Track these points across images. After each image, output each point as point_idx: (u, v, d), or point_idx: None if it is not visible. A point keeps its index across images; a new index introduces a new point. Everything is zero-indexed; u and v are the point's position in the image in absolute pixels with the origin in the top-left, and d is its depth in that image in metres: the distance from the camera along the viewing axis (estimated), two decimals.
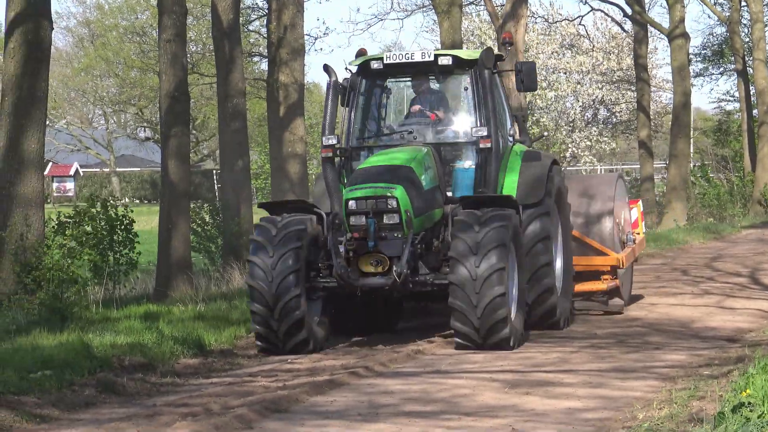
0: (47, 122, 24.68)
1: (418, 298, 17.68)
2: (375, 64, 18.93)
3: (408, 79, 20.15)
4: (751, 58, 55.74)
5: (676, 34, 47.84)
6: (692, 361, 17.91)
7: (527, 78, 18.97)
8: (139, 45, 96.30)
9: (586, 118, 63.32)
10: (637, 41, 56.76)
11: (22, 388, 15.19)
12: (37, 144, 22.31)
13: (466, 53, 19.60)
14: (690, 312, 23.38)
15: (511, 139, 20.36)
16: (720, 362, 17.56)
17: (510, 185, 18.70)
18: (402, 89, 20.37)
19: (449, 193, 19.53)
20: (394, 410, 14.61)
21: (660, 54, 55.38)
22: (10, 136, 21.93)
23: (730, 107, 66.78)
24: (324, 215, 17.80)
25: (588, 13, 63.20)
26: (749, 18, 55.01)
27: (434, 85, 19.78)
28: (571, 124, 62.33)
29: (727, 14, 59.06)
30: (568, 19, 64.41)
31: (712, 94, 67.05)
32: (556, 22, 64.02)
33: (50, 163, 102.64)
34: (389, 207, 16.25)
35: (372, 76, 19.45)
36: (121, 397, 15.74)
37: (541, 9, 60.00)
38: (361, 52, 20.02)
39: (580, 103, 62.83)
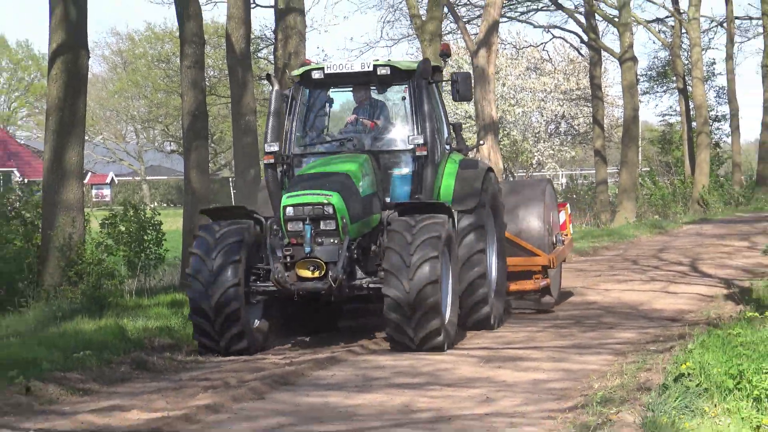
0: (86, 138, 24.69)
1: (355, 301, 16.64)
2: (316, 74, 17.56)
3: (349, 88, 18.76)
4: (690, 77, 55.88)
5: (626, 58, 47.89)
6: (640, 339, 17.99)
7: (462, 87, 17.66)
8: (164, 71, 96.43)
9: (549, 130, 63.29)
10: (592, 64, 56.72)
11: (67, 366, 15.40)
12: (77, 157, 22.36)
13: (404, 64, 18.10)
14: (639, 296, 23.41)
15: (448, 147, 18.91)
16: (664, 339, 17.62)
17: (446, 191, 17.44)
18: (344, 98, 19.14)
19: (388, 199, 17.97)
20: (386, 382, 14.72)
21: (612, 75, 55.51)
22: (54, 151, 22.04)
23: (672, 120, 66.88)
24: (264, 220, 16.48)
25: (550, 40, 63.28)
26: (688, 43, 55.13)
27: (375, 95, 18.36)
28: (537, 136, 62.34)
29: (670, 40, 59.10)
30: (532, 46, 64.40)
31: (657, 108, 67.39)
32: (522, 48, 63.91)
33: (89, 173, 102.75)
34: (326, 213, 15.04)
35: (314, 86, 18.15)
36: (151, 373, 15.92)
37: (509, 37, 59.95)
38: (304, 63, 18.95)
39: (544, 118, 62.84)
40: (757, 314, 17.64)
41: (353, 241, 15.70)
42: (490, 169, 18.50)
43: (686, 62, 57.33)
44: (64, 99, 22.06)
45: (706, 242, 35.61)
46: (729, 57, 61.39)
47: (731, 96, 62.36)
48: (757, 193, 57.26)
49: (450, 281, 15.94)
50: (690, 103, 57.60)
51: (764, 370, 12.43)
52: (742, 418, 11.26)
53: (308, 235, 14.96)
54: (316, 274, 14.85)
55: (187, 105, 30.04)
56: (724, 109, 64.57)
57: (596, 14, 53.95)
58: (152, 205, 53.24)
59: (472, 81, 19.44)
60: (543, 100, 62.20)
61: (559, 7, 55.82)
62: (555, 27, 60.22)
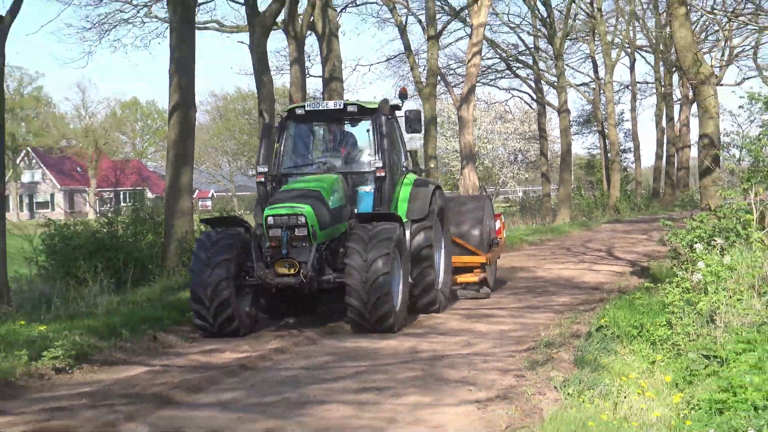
0: (194, 166, 24.41)
1: (324, 293, 15.24)
2: (299, 111, 16.51)
3: (324, 122, 17.32)
4: (606, 123, 55.71)
5: (562, 110, 47.51)
6: (573, 302, 17.95)
7: (413, 122, 16.73)
8: (247, 120, 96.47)
9: (510, 159, 63.08)
10: (539, 114, 56.40)
11: (182, 321, 15.64)
12: (188, 179, 22.16)
13: (368, 103, 16.71)
14: (571, 273, 23.29)
15: (405, 169, 17.41)
16: (589, 302, 17.58)
17: (402, 204, 16.17)
18: (322, 130, 17.53)
19: (356, 211, 16.53)
20: (398, 333, 14.71)
21: (553, 121, 55.00)
22: (173, 175, 21.85)
23: (594, 152, 66.42)
24: (251, 227, 15.29)
25: (510, 98, 62.94)
26: (605, 99, 54.89)
27: (347, 128, 17.12)
28: (502, 164, 62.12)
29: (592, 97, 58.70)
30: (498, 102, 64.10)
31: (583, 144, 67.12)
32: (491, 104, 63.50)
33: (197, 190, 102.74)
34: (299, 222, 14.01)
35: (298, 120, 16.74)
36: None
37: (482, 95, 59.56)
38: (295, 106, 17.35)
39: (507, 151, 62.62)
40: (651, 285, 17.58)
41: (322, 245, 14.87)
42: (438, 187, 17.36)
43: (603, 112, 56.99)
44: (178, 140, 21.93)
45: (618, 236, 35.49)
46: (633, 109, 61.40)
47: (634, 135, 62.39)
48: (652, 203, 57.13)
49: (400, 276, 14.95)
50: (606, 140, 57.26)
51: (657, 323, 12.38)
52: (642, 356, 11.24)
53: (284, 239, 14.13)
54: (292, 271, 14.12)
55: None
56: (630, 144, 64.41)
57: (542, 80, 53.62)
58: (239, 212, 52.92)
59: (422, 117, 17.77)
60: (506, 139, 61.97)
61: (517, 75, 55.50)
62: (513, 89, 60.02)
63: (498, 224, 20.06)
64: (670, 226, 17.79)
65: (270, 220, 14.20)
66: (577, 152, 61.19)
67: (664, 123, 62.20)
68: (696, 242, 15.18)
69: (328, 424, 9.42)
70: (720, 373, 9.45)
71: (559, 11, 49.00)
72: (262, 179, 15.83)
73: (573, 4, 48.45)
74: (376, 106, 16.23)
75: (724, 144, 21.49)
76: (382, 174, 15.41)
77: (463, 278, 18.01)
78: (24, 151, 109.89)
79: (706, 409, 8.17)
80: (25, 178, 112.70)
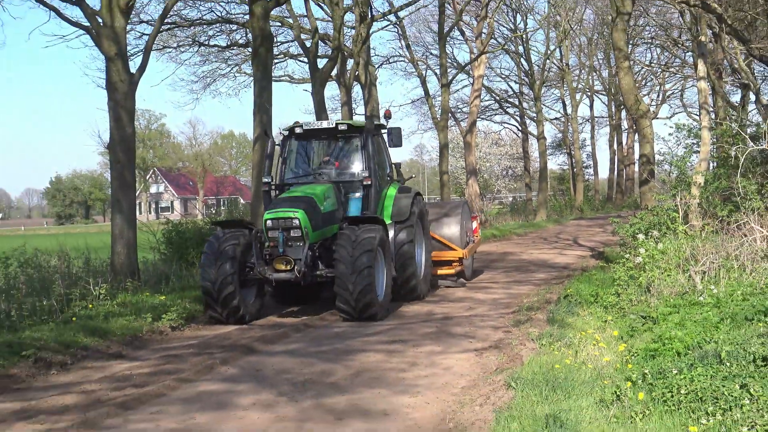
0: None
1: (317, 285, 13.94)
2: (298, 130, 14.87)
3: (320, 139, 15.60)
4: (572, 147, 55.62)
5: (540, 137, 47.20)
6: (548, 277, 17.83)
7: (395, 138, 14.99)
8: None
9: (502, 174, 62.85)
10: (523, 140, 56.32)
11: None
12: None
13: (357, 122, 15.33)
14: (546, 256, 23.17)
15: (389, 178, 15.78)
16: (559, 277, 17.47)
17: (387, 209, 14.74)
18: (320, 145, 15.79)
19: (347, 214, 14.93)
20: (417, 302, 14.68)
21: (534, 146, 54.79)
22: (255, 187, 21.82)
23: (564, 168, 65.99)
24: (254, 228, 13.81)
25: (502, 129, 62.56)
26: (571, 129, 54.82)
27: (340, 144, 15.43)
28: (496, 177, 61.89)
29: (562, 128, 58.53)
30: (493, 132, 64.00)
31: (556, 161, 66.85)
32: (488, 133, 63.22)
33: None
34: (293, 225, 12.78)
35: (298, 137, 15.18)
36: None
37: (482, 127, 59.08)
38: (295, 123, 15.34)
39: (500, 168, 62.35)
40: (605, 264, 17.58)
41: (315, 244, 13.30)
42: (418, 194, 15.62)
43: (570, 139, 56.70)
44: (260, 161, 21.91)
45: (582, 229, 35.29)
46: (592, 136, 61.48)
47: (593, 156, 62.74)
48: (607, 205, 56.76)
49: (384, 270, 13.37)
50: (572, 159, 57.01)
51: (608, 293, 12.31)
52: (597, 317, 11.16)
53: (281, 239, 12.85)
54: (287, 267, 12.78)
55: None
56: (590, 162, 64.29)
57: (525, 116, 53.49)
58: None
59: (402, 133, 15.72)
60: (499, 159, 61.68)
61: (506, 112, 55.49)
62: (504, 122, 59.81)
63: (474, 225, 18.63)
64: (618, 222, 17.95)
65: (269, 222, 13.00)
66: (552, 168, 60.89)
67: (615, 146, 62.23)
68: (637, 233, 15.20)
69: (367, 367, 9.49)
70: (653, 329, 9.45)
71: (537, 66, 48.96)
72: (267, 188, 14.57)
73: (547, 61, 48.49)
74: (363, 125, 14.86)
75: (658, 161, 21.68)
76: (368, 182, 14.07)
77: (442, 271, 16.61)
78: (151, 170, 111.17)
79: (643, 355, 8.15)
80: (152, 189, 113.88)
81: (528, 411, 6.59)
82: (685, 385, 6.61)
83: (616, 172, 63.64)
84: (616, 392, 6.78)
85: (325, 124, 14.92)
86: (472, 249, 17.54)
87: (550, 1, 46.00)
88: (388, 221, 14.40)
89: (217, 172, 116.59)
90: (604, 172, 72.48)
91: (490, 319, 12.55)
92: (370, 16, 30.10)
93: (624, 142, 61.95)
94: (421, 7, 38.34)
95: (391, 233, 14.28)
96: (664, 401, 6.54)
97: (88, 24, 17.63)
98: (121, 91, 16.91)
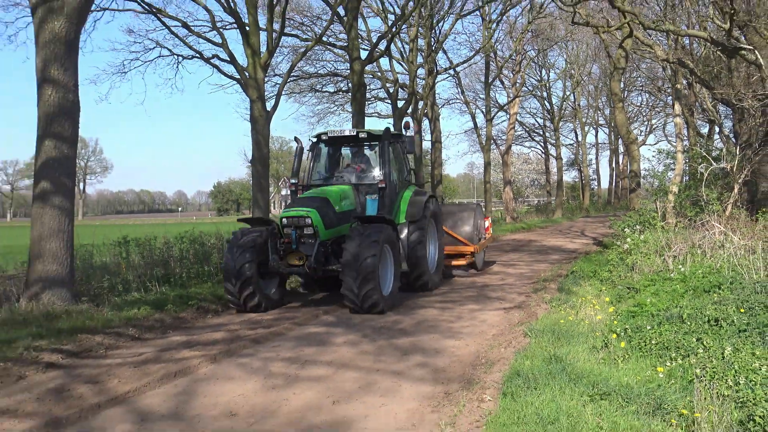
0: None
1: (333, 278, 11.00)
2: (324, 137, 12.54)
3: (346, 146, 13.07)
4: (582, 165, 54.58)
5: (558, 158, 46.53)
6: (561, 258, 17.47)
7: (409, 146, 12.31)
8: None
9: (531, 183, 61.97)
10: (545, 160, 55.21)
11: None
12: None
13: (376, 131, 12.59)
14: (560, 243, 22.76)
15: (406, 182, 13.03)
16: (569, 259, 17.12)
17: (403, 209, 12.15)
18: (344, 152, 13.27)
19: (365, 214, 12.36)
20: (463, 279, 14.54)
21: (553, 163, 53.73)
22: None
23: (576, 180, 64.52)
24: (276, 226, 11.21)
25: (530, 151, 61.52)
26: (581, 152, 53.83)
27: (366, 151, 13.05)
28: (526, 186, 61.06)
29: (575, 151, 57.29)
30: (524, 153, 63.15)
31: (570, 175, 65.01)
32: (521, 154, 62.36)
33: None
34: (306, 223, 10.52)
35: (324, 144, 12.71)
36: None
37: (515, 149, 58.27)
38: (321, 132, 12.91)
39: (529, 179, 61.49)
40: (602, 249, 17.19)
41: (328, 241, 10.85)
42: (432, 196, 13.04)
43: (580, 158, 55.57)
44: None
45: (588, 224, 34.51)
46: (596, 156, 60.56)
47: (597, 171, 61.81)
48: (607, 207, 55.34)
49: (391, 266, 10.79)
50: (581, 174, 55.97)
51: (603, 270, 12.05)
52: (594, 287, 10.90)
53: (293, 236, 10.54)
54: (300, 262, 10.53)
55: None
56: (595, 176, 62.98)
57: (547, 142, 52.47)
58: None
59: (416, 141, 13.85)
60: (528, 173, 60.90)
61: (533, 140, 54.37)
62: (532, 147, 58.73)
63: (486, 224, 16.15)
64: (613, 220, 17.61)
65: (284, 221, 10.69)
66: (566, 180, 59.46)
67: (613, 164, 60.96)
68: (626, 227, 14.87)
69: (425, 318, 9.47)
70: (635, 297, 9.22)
71: (556, 106, 48.16)
72: (293, 189, 12.12)
73: (564, 102, 47.85)
74: (381, 133, 12.34)
75: (644, 175, 21.29)
76: (383, 185, 11.61)
77: (456, 262, 14.43)
78: (282, 179, 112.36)
79: (626, 315, 7.95)
80: (282, 192, 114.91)
81: (538, 352, 6.51)
82: (656, 338, 6.46)
83: (614, 183, 62.17)
84: (604, 341, 6.66)
85: (347, 132, 12.43)
86: (483, 244, 15.43)
87: (566, 60, 45.51)
88: (402, 221, 12.04)
89: None
90: (605, 183, 70.75)
91: (516, 287, 12.39)
92: (435, 71, 30.20)
93: (620, 161, 60.44)
94: (472, 64, 38.05)
95: (405, 232, 11.94)
96: (639, 348, 6.39)
97: (239, 77, 18.17)
98: (260, 123, 17.31)
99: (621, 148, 58.63)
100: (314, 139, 12.58)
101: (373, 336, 8.32)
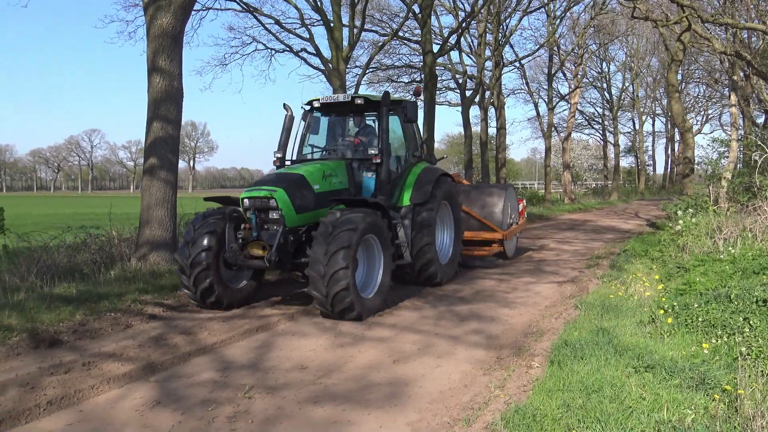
0: None
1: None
2: (315, 104, 9.12)
3: (342, 115, 9.60)
4: (638, 151, 52.39)
5: (615, 144, 44.79)
6: (614, 237, 16.75)
7: (410, 113, 8.97)
8: (460, 148, 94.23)
9: (589, 168, 59.55)
10: (604, 146, 53.12)
11: None
12: None
13: (374, 97, 9.06)
14: (615, 223, 21.84)
15: (415, 158, 9.66)
16: (622, 238, 16.38)
17: (408, 190, 9.07)
18: (340, 121, 9.73)
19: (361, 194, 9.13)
20: (508, 267, 14.11)
21: (611, 150, 51.47)
22: None
23: (633, 165, 61.62)
24: (231, 208, 7.94)
25: (589, 138, 59.13)
26: (638, 140, 51.66)
27: (368, 121, 9.54)
28: (585, 171, 58.65)
29: (632, 138, 54.94)
30: (584, 140, 60.80)
31: (627, 161, 61.83)
32: (580, 141, 60.04)
33: None
34: (270, 205, 7.61)
35: (317, 112, 9.40)
36: None
37: (575, 136, 55.99)
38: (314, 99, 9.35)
39: (588, 164, 59.18)
40: (654, 230, 16.39)
41: (299, 229, 7.78)
42: (445, 174, 9.80)
43: (637, 146, 53.26)
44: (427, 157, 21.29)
45: (642, 206, 33.07)
46: (653, 143, 58.49)
47: (653, 157, 59.56)
48: (661, 191, 52.96)
49: (380, 261, 7.66)
50: (638, 159, 53.68)
51: (655, 249, 11.46)
52: (645, 265, 10.34)
53: (253, 221, 7.55)
54: (263, 253, 7.51)
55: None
56: (650, 162, 60.33)
57: (606, 130, 50.36)
58: None
59: (417, 108, 9.49)
60: (587, 159, 58.67)
61: (593, 127, 52.37)
62: (591, 134, 56.65)
63: (521, 207, 13.35)
64: (666, 203, 16.76)
65: (246, 202, 7.66)
66: (623, 165, 56.99)
67: (669, 151, 58.18)
68: (678, 210, 14.09)
69: (483, 288, 9.22)
70: (684, 276, 8.66)
71: (615, 96, 46.16)
72: (278, 163, 8.91)
73: (623, 93, 45.89)
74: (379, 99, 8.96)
75: (697, 162, 20.09)
76: (378, 160, 8.56)
77: (479, 252, 11.62)
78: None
79: (674, 293, 7.49)
80: None
81: (586, 324, 6.19)
82: (702, 315, 6.03)
83: (669, 169, 59.42)
84: (651, 317, 6.28)
85: (341, 98, 9.11)
86: (515, 230, 12.68)
87: (627, 53, 43.45)
88: (405, 203, 9.04)
89: None
90: (660, 169, 67.62)
91: (570, 263, 11.91)
92: (501, 63, 29.41)
93: (676, 149, 57.64)
94: (536, 57, 36.81)
95: (409, 217, 8.96)
96: (686, 325, 5.98)
97: (323, 68, 18.23)
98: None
99: (677, 136, 55.93)
100: (307, 107, 9.40)
101: (434, 302, 8.17)
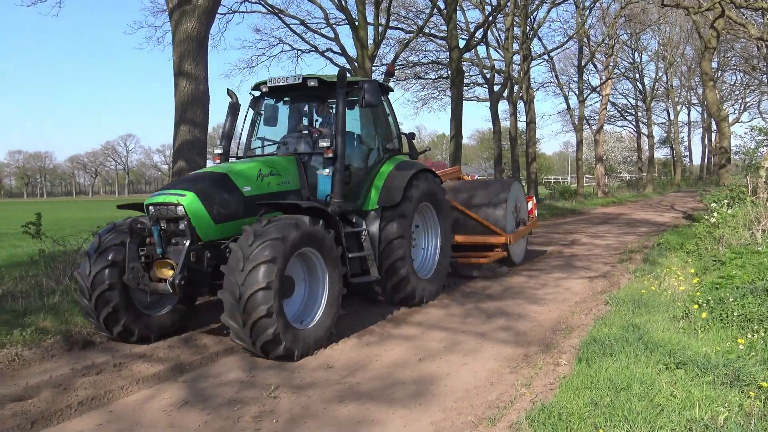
0: (463, 163, 23.80)
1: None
2: (263, 88, 7.45)
3: (297, 101, 7.82)
4: (673, 142, 51.28)
5: (650, 136, 43.97)
6: (649, 231, 16.39)
7: (368, 95, 6.89)
8: (489, 144, 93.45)
9: (623, 160, 58.30)
10: (638, 138, 52.09)
11: None
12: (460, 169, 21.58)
13: (330, 77, 7.12)
14: (649, 216, 21.38)
15: (387, 150, 7.77)
16: (657, 231, 16.02)
17: (375, 190, 7.34)
18: (295, 108, 7.88)
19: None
20: (551, 245, 13.91)
21: (644, 141, 50.44)
22: (451, 167, 21.20)
23: (668, 156, 60.19)
24: (133, 219, 6.26)
25: (622, 129, 57.79)
26: (673, 131, 50.60)
27: (317, 106, 7.83)
28: (618, 163, 57.48)
29: (666, 129, 53.78)
30: (617, 132, 59.69)
31: (662, 153, 60.08)
32: (613, 133, 58.98)
33: (468, 174, 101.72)
34: (178, 214, 5.68)
35: (271, 99, 7.69)
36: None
37: (608, 128, 54.94)
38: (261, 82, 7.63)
39: (621, 156, 57.95)
40: (690, 222, 16.00)
41: (215, 243, 5.93)
42: (424, 170, 7.95)
43: (672, 136, 52.12)
44: (454, 151, 21.08)
45: (678, 198, 32.34)
46: (688, 134, 57.05)
47: (689, 147, 58.20)
48: (698, 182, 51.60)
49: (323, 282, 5.95)
50: (673, 150, 52.45)
51: (690, 242, 11.17)
52: (680, 258, 10.10)
53: (156, 235, 5.84)
54: (170, 274, 5.80)
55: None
56: (686, 153, 59.00)
57: (639, 122, 49.36)
58: None
59: (378, 90, 7.12)
60: (621, 151, 57.58)
61: (625, 119, 51.31)
62: (624, 126, 55.43)
63: (530, 205, 11.43)
64: (703, 194, 16.36)
65: (150, 209, 5.93)
66: (657, 156, 55.59)
67: (706, 142, 56.83)
68: (714, 202, 13.73)
69: (512, 285, 9.10)
70: (720, 269, 8.42)
71: (648, 86, 45.20)
72: (218, 161, 7.18)
73: (656, 83, 44.94)
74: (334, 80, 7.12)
75: (735, 152, 19.55)
76: (329, 155, 6.73)
77: (477, 259, 9.75)
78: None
79: (709, 287, 7.28)
80: None
81: (617, 320, 6.06)
82: (738, 309, 5.84)
83: (706, 159, 57.99)
84: (685, 312, 6.11)
85: (291, 80, 7.25)
86: (522, 233, 10.72)
87: (659, 42, 42.52)
88: (372, 207, 7.32)
89: (434, 158, 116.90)
90: (697, 160, 65.95)
91: (602, 258, 11.69)
92: (530, 56, 29.08)
93: (712, 139, 56.28)
94: (566, 49, 36.27)
95: (375, 223, 7.22)
96: (721, 320, 5.80)
97: (349, 67, 18.25)
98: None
99: (713, 126, 54.63)
100: (255, 93, 7.71)
101: (461, 299, 8.11)
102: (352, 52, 19.42)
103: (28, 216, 9.68)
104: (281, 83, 7.35)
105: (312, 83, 7.12)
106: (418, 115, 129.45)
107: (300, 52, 21.64)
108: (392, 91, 8.19)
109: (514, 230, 10.41)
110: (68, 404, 4.59)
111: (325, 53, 20.28)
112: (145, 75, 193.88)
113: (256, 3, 19.33)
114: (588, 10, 30.40)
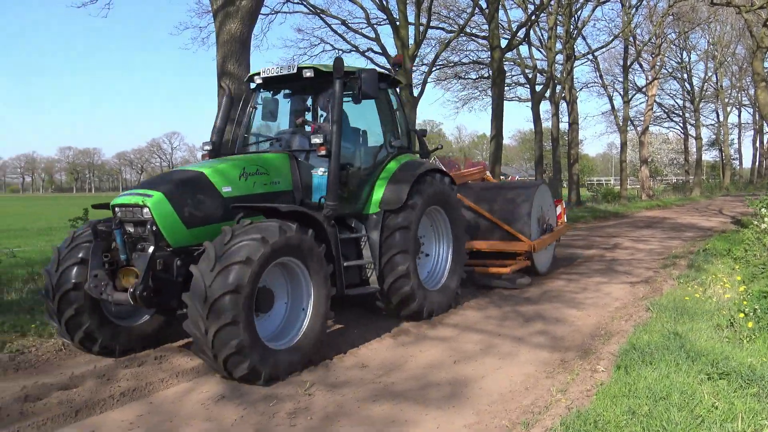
0: (504, 163, 23.51)
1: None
2: (257, 79, 6.51)
3: (296, 93, 6.96)
4: (722, 144, 49.60)
5: (698, 138, 42.61)
6: (695, 236, 15.94)
7: (366, 85, 5.95)
8: (530, 145, 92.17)
9: (670, 163, 56.86)
10: (685, 140, 50.63)
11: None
12: (499, 169, 21.45)
13: (326, 67, 6.18)
14: (696, 221, 20.81)
15: (393, 148, 6.95)
16: (703, 236, 15.58)
17: (378, 191, 6.53)
18: (294, 101, 7.02)
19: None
20: (592, 248, 13.65)
21: (692, 144, 49.21)
22: (492, 167, 21.10)
23: (717, 159, 58.32)
24: (94, 221, 5.47)
25: (669, 131, 56.45)
26: (722, 132, 49.05)
27: (316, 98, 6.92)
28: (664, 165, 56.14)
29: (716, 131, 52.17)
30: (663, 133, 58.16)
31: (710, 155, 57.75)
32: (659, 134, 57.52)
33: (509, 175, 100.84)
34: (143, 217, 4.96)
35: (267, 91, 6.86)
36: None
37: (654, 130, 53.48)
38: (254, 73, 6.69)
39: (668, 159, 56.54)
40: (738, 228, 15.51)
41: (186, 249, 5.17)
42: (433, 171, 7.09)
43: (722, 138, 50.57)
44: (494, 151, 20.94)
45: (726, 203, 31.38)
46: (739, 137, 55.28)
47: (739, 150, 56.51)
48: (749, 186, 50.02)
49: (308, 295, 5.26)
50: (722, 153, 50.91)
51: (738, 248, 10.84)
52: (727, 265, 9.81)
53: (119, 239, 5.09)
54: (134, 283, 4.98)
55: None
56: (737, 155, 57.24)
57: (687, 123, 48.05)
58: None
59: (377, 79, 6.12)
60: (667, 153, 56.17)
61: (672, 120, 49.87)
62: (671, 127, 53.69)
63: (559, 209, 10.62)
64: (751, 199, 15.83)
65: (117, 210, 5.25)
66: (706, 159, 54.11)
67: (757, 144, 54.97)
68: (764, 207, 13.26)
69: (551, 289, 8.98)
70: None
71: (697, 87, 43.93)
72: (209, 157, 6.45)
73: (705, 84, 43.65)
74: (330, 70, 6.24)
75: None
76: (322, 152, 5.96)
77: (496, 269, 8.87)
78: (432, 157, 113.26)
79: (757, 296, 7.02)
80: None
81: (658, 327, 5.92)
82: None
83: (757, 163, 56.06)
84: (730, 320, 5.94)
85: (285, 71, 6.39)
86: (548, 240, 9.77)
87: (709, 41, 41.29)
88: (373, 211, 6.59)
89: (474, 158, 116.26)
90: (747, 163, 63.82)
91: (645, 263, 11.43)
92: (573, 56, 28.65)
93: (764, 141, 54.44)
94: (611, 48, 35.55)
95: (377, 230, 6.48)
96: None
97: (389, 67, 18.26)
98: (407, 108, 17.35)
99: (766, 128, 52.76)
100: (251, 84, 6.98)
101: (499, 302, 8.05)
102: (392, 52, 19.49)
103: (77, 211, 10.02)
104: (274, 74, 6.49)
105: (308, 74, 6.26)
106: (458, 114, 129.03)
107: (341, 52, 21.80)
108: (401, 84, 7.46)
109: (539, 237, 9.55)
110: (111, 394, 4.73)
111: (366, 53, 20.37)
112: (190, 73, 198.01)
113: (298, 3, 19.56)
114: (634, 9, 29.72)
